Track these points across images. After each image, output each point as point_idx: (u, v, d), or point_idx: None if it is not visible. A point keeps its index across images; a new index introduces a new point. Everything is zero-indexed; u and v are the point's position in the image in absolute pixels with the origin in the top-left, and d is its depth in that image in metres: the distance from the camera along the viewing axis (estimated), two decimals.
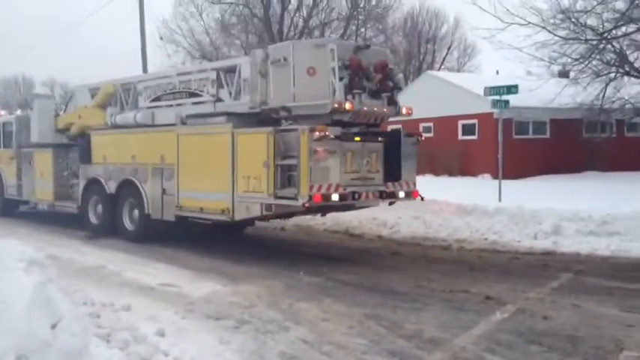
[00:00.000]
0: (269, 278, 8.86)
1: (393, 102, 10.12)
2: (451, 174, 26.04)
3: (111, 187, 13.01)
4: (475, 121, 26.21)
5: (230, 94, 10.85)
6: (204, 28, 33.18)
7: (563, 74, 24.20)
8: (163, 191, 11.75)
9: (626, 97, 22.08)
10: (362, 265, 9.94)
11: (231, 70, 10.95)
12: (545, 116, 25.53)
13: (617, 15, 18.11)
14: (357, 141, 9.82)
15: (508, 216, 12.96)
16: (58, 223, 14.97)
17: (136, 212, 12.36)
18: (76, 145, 14.46)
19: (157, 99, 12.46)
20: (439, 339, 5.99)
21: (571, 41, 18.93)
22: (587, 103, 21.81)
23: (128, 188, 12.55)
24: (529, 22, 17.68)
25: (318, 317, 6.79)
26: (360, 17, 34.68)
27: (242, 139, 10.04)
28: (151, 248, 11.41)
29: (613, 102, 21.73)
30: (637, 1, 17.41)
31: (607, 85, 21.22)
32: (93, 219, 13.60)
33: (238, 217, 10.21)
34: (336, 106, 9.14)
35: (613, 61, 20.53)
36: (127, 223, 12.63)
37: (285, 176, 9.39)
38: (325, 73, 9.26)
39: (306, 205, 9.04)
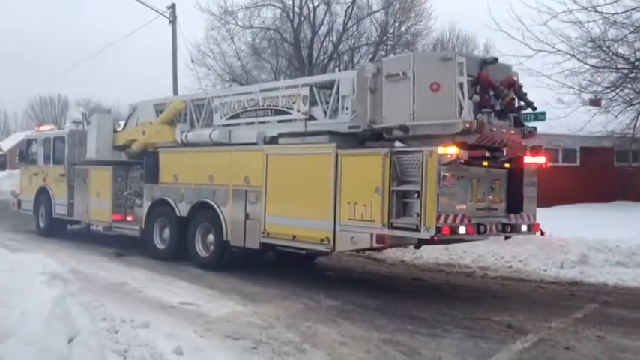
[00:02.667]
0: (289, 299, 8.86)
1: (519, 123, 9.26)
2: None
3: (182, 209, 12.08)
4: None
5: (325, 111, 10.13)
6: (235, 52, 33.64)
7: (595, 102, 23.89)
8: (246, 216, 10.71)
9: None
10: (382, 290, 9.87)
11: (326, 87, 10.30)
12: (575, 144, 25.17)
13: None
14: (484, 166, 8.99)
15: (534, 244, 12.75)
16: (87, 240, 15.12)
17: (211, 237, 11.45)
18: (137, 163, 13.74)
19: (235, 116, 11.68)
20: None
21: (602, 69, 18.72)
22: (618, 131, 21.46)
23: (203, 211, 11.62)
24: (558, 50, 17.55)
25: (336, 340, 6.76)
26: (390, 43, 34.82)
27: (349, 161, 9.12)
28: (175, 266, 11.51)
29: None
30: None
31: (639, 114, 20.87)
32: (158, 243, 12.69)
33: (341, 247, 9.34)
34: (467, 126, 8.20)
35: None
36: (200, 249, 11.68)
37: (401, 204, 8.51)
38: (451, 88, 8.25)
39: (435, 238, 8.10)
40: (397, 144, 9.37)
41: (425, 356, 6.21)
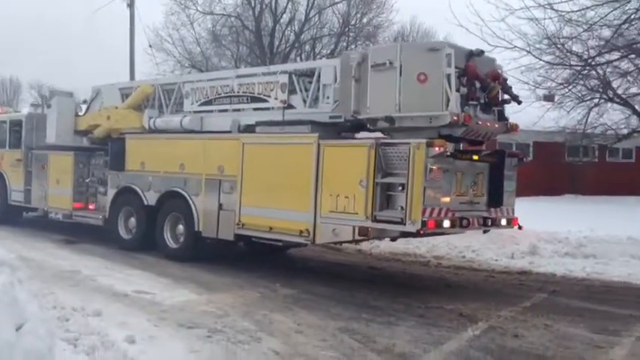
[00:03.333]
0: (245, 288, 8.85)
1: (503, 117, 9.16)
2: None
3: (150, 198, 11.65)
4: None
5: (304, 100, 9.83)
6: (194, 38, 33.18)
7: (548, 98, 24.50)
8: (220, 206, 10.38)
9: (609, 123, 22.40)
10: (339, 279, 9.95)
11: (305, 75, 9.99)
12: (529, 139, 25.78)
13: (601, 42, 18.41)
14: (473, 160, 8.92)
15: (486, 235, 13.03)
16: (42, 228, 14.72)
17: (181, 228, 11.09)
18: (100, 149, 13.26)
19: (208, 103, 11.21)
20: (410, 354, 6.01)
21: (556, 66, 19.20)
22: (570, 127, 22.10)
23: (173, 200, 11.22)
24: (515, 46, 17.89)
25: (292, 329, 6.79)
26: (351, 34, 34.95)
27: (331, 151, 8.90)
28: (131, 255, 11.32)
29: (595, 127, 22.04)
30: (620, 30, 17.72)
31: (590, 110, 21.52)
32: (123, 232, 12.23)
33: (321, 240, 9.21)
34: (455, 119, 8.04)
35: (596, 87, 20.85)
36: (169, 240, 11.28)
37: (385, 197, 8.34)
38: (438, 80, 8.09)
39: (421, 231, 8.03)
40: (378, 135, 9.16)
41: (379, 344, 6.30)
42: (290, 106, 9.95)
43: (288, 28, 33.62)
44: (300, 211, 9.09)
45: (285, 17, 33.30)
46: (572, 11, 15.83)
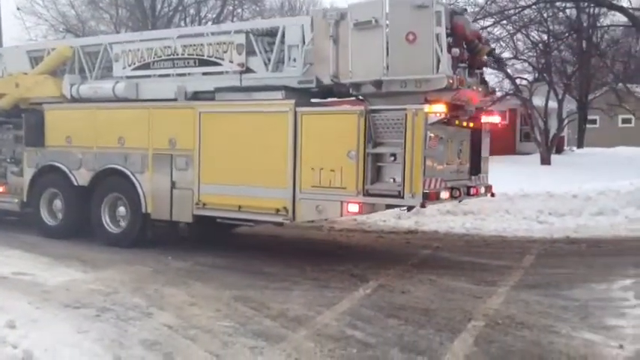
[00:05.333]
0: (135, 264, 8.57)
1: (484, 81, 8.71)
2: None
3: (81, 177, 10.25)
4: None
5: (265, 63, 8.88)
6: (68, 0, 31.03)
7: None
8: (173, 184, 9.30)
9: None
10: (234, 248, 9.92)
11: (265, 34, 9.06)
12: None
13: (477, 9, 19.33)
14: (463, 126, 8.48)
15: None
16: None
17: (122, 210, 9.89)
18: (8, 122, 11.66)
19: (144, 66, 9.91)
20: (304, 317, 6.14)
21: None
22: None
23: (111, 179, 10.00)
24: None
25: (185, 302, 6.69)
26: None
27: (311, 120, 8.11)
28: (9, 234, 10.58)
29: None
30: None
31: None
32: (47, 218, 10.76)
33: (303, 218, 8.42)
34: (450, 82, 7.46)
35: None
36: (108, 224, 10.01)
37: (375, 169, 7.76)
38: (428, 40, 7.41)
39: (424, 204, 7.56)
40: (352, 100, 8.62)
41: (274, 309, 6.37)
42: (249, 70, 8.99)
43: None
44: (276, 187, 8.31)
45: None
46: None
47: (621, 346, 5.22)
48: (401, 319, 6.07)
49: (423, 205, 7.62)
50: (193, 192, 9.07)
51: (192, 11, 32.82)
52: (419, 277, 7.81)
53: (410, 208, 8.34)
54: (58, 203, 10.70)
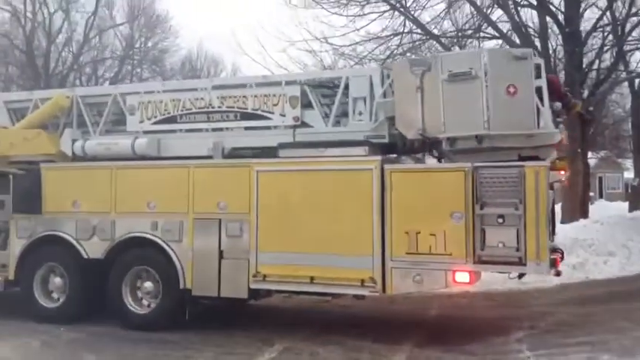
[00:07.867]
0: (23, 336, 7.77)
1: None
2: None
3: (92, 249, 8.61)
4: None
5: (324, 117, 8.17)
6: None
7: None
8: (221, 254, 8.06)
9: None
10: None
11: (323, 86, 8.40)
12: None
13: None
14: (561, 182, 7.97)
15: None
16: None
17: (149, 286, 8.35)
18: None
19: (169, 120, 8.77)
20: None
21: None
22: None
23: (136, 251, 8.48)
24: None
25: None
26: (137, 57, 34.10)
27: (403, 178, 7.29)
28: None
29: None
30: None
31: None
32: (42, 299, 8.84)
33: (396, 289, 7.34)
34: (562, 138, 7.11)
35: None
36: (130, 304, 8.38)
37: (481, 232, 6.93)
38: (529, 93, 6.94)
39: (559, 273, 6.91)
40: (429, 158, 8.00)
41: None
42: (304, 125, 8.22)
43: (65, 49, 31.73)
44: (359, 254, 7.31)
45: (62, 37, 31.40)
46: (345, 45, 17.30)
47: None
48: None
49: (557, 274, 7.10)
50: (249, 262, 7.85)
51: (88, 70, 32.17)
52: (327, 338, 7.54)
53: (521, 275, 7.42)
54: (57, 281, 8.88)
